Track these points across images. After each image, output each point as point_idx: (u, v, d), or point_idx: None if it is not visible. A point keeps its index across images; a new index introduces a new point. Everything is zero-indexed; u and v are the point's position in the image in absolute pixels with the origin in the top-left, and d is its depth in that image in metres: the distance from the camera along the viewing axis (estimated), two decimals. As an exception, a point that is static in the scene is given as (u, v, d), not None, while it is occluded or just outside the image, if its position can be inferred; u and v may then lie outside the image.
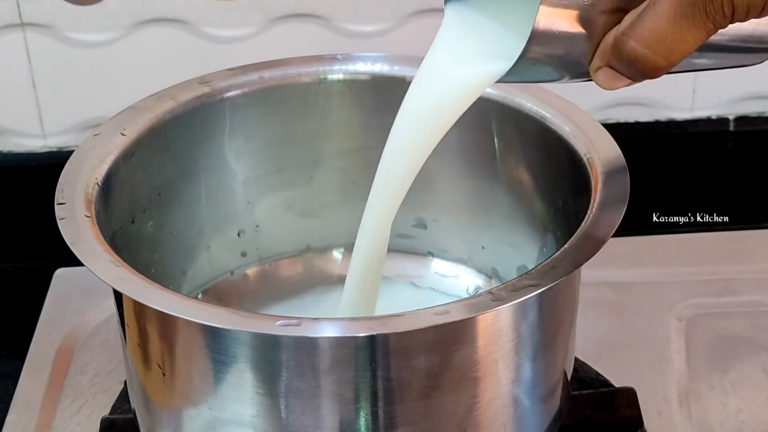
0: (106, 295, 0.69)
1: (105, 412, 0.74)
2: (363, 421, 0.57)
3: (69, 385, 0.79)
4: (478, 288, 0.77)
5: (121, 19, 0.86)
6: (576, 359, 0.71)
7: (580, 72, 0.54)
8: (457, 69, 0.59)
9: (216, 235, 0.76)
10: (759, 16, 0.49)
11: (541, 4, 0.50)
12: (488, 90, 0.68)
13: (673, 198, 0.94)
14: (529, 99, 0.69)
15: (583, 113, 0.68)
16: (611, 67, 0.52)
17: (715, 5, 0.49)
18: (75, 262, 0.57)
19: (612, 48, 0.51)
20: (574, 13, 0.51)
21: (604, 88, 0.53)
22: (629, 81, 0.52)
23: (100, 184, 0.64)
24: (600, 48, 0.52)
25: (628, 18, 0.51)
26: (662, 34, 0.50)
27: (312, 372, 0.56)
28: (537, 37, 0.51)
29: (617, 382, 0.74)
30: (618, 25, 0.51)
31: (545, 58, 0.53)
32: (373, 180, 0.76)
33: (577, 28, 0.52)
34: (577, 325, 0.65)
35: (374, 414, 0.57)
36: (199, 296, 0.76)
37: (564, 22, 0.51)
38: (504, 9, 0.58)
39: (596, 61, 0.52)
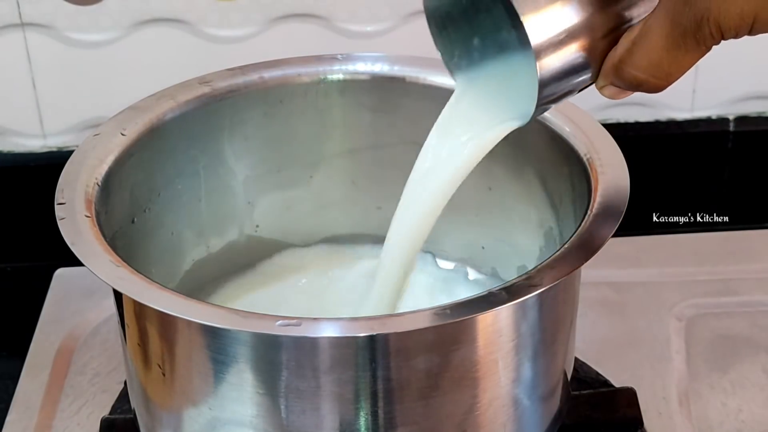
0: (106, 295, 0.69)
1: (105, 412, 0.74)
2: (363, 421, 0.57)
3: (69, 385, 0.79)
4: (478, 288, 0.77)
5: (121, 19, 0.87)
6: (576, 359, 0.71)
7: (584, 88, 0.56)
8: (477, 134, 0.61)
9: (216, 235, 0.76)
10: (750, 33, 0.51)
11: (537, 59, 0.52)
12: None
13: (673, 198, 0.94)
14: (529, 99, 0.69)
15: (583, 113, 0.68)
16: (615, 85, 0.54)
17: (704, 32, 0.50)
18: (75, 262, 0.57)
19: (613, 72, 0.53)
20: (572, 48, 0.53)
21: (610, 99, 0.55)
22: (634, 92, 0.55)
23: (100, 184, 0.64)
24: (602, 71, 0.54)
25: (624, 43, 0.53)
26: (659, 62, 0.52)
27: (312, 372, 0.56)
28: (543, 87, 0.53)
29: (617, 382, 0.74)
30: (615, 49, 0.53)
31: (555, 97, 0.54)
32: (372, 180, 0.76)
33: (578, 61, 0.53)
34: (577, 325, 0.65)
35: (374, 414, 0.57)
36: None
37: (565, 62, 0.53)
38: (508, 67, 0.59)
39: (600, 81, 0.54)
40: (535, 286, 0.56)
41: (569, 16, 0.52)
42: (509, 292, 0.56)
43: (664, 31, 0.51)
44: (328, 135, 0.74)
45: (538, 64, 0.52)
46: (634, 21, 0.54)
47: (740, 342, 0.81)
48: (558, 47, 0.52)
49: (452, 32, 0.60)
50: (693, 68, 0.53)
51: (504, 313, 0.58)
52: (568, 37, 0.52)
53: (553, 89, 0.54)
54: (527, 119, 0.56)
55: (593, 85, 0.55)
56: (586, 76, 0.54)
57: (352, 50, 0.75)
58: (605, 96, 0.55)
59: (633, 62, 0.52)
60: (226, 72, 0.72)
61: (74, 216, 0.60)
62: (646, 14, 0.53)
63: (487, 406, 0.59)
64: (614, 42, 0.54)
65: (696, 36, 0.51)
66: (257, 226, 0.77)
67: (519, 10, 0.52)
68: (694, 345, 0.81)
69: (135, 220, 0.68)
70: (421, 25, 0.59)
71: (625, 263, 0.87)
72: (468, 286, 0.77)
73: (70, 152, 0.65)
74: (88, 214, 0.61)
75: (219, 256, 0.76)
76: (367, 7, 0.87)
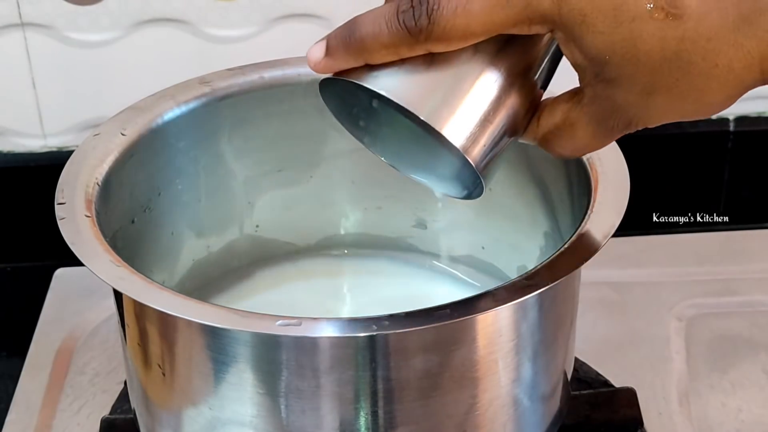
0: (106, 295, 0.69)
1: (105, 412, 0.74)
2: (363, 421, 0.57)
3: (69, 385, 0.79)
4: (478, 288, 0.77)
5: (121, 19, 0.87)
6: (576, 359, 0.71)
7: None
8: None
9: (216, 235, 0.76)
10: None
11: (467, 156, 0.52)
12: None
13: (673, 198, 0.94)
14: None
15: (583, 113, 0.68)
16: None
17: (631, 129, 0.53)
18: (75, 262, 0.57)
19: (537, 143, 0.55)
20: (499, 134, 0.53)
21: None
22: None
23: (100, 184, 0.64)
24: (526, 137, 0.55)
25: (545, 125, 0.54)
26: (584, 148, 0.54)
27: (312, 372, 0.56)
28: (483, 170, 0.54)
29: (617, 382, 0.74)
30: (536, 128, 0.55)
31: (494, 166, 0.55)
32: (372, 180, 0.76)
33: (505, 140, 0.54)
34: (577, 325, 0.65)
35: (374, 414, 0.57)
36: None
37: (495, 148, 0.54)
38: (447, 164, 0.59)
39: (525, 140, 0.56)
40: (535, 286, 0.56)
41: (481, 105, 0.53)
42: (509, 292, 0.56)
43: (590, 129, 0.53)
44: (328, 135, 0.74)
45: (470, 160, 0.53)
46: (545, 83, 0.55)
47: (740, 342, 0.81)
48: (481, 136, 0.53)
49: (371, 127, 0.60)
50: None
51: (504, 313, 0.58)
52: (487, 122, 0.53)
53: (488, 165, 0.54)
54: (481, 191, 0.56)
55: None
56: (511, 140, 0.55)
57: (352, 50, 0.75)
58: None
59: (557, 144, 0.54)
60: (226, 72, 0.72)
61: (74, 216, 0.60)
62: (554, 68, 0.54)
63: (487, 406, 0.59)
64: (533, 113, 0.54)
65: (622, 131, 0.53)
66: (257, 226, 0.77)
67: (436, 126, 0.52)
68: (694, 345, 0.81)
69: (135, 220, 0.68)
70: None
71: (625, 263, 0.87)
72: (468, 286, 0.77)
73: (70, 152, 0.65)
74: (88, 214, 0.61)
75: (219, 256, 0.76)
76: (366, 8, 0.86)
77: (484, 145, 0.53)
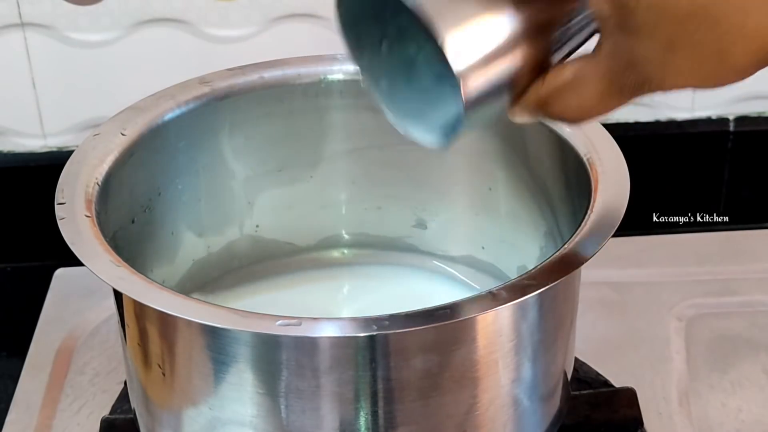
0: (106, 295, 0.69)
1: (105, 412, 0.74)
2: (363, 421, 0.57)
3: (69, 385, 0.79)
4: (478, 288, 0.77)
5: (121, 19, 0.87)
6: (576, 359, 0.71)
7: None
8: None
9: (216, 235, 0.76)
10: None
11: (462, 81, 0.50)
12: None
13: (673, 198, 0.94)
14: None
15: (583, 113, 0.68)
16: (532, 116, 0.54)
17: (643, 91, 0.51)
18: (75, 262, 0.57)
19: (536, 106, 0.53)
20: (498, 79, 0.52)
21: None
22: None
23: (100, 184, 0.64)
24: (524, 103, 0.53)
25: (552, 83, 0.52)
26: (589, 109, 0.52)
27: (312, 372, 0.56)
28: (468, 116, 0.52)
29: (617, 382, 0.74)
30: (540, 86, 0.53)
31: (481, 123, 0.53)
32: (372, 180, 0.76)
33: (503, 91, 0.52)
34: (577, 325, 0.65)
35: (374, 414, 0.57)
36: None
37: (489, 94, 0.52)
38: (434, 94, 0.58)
39: (518, 110, 0.54)
40: (535, 286, 0.56)
41: (492, 40, 0.51)
42: (509, 292, 0.56)
43: (601, 86, 0.51)
44: (328, 135, 0.75)
45: (462, 89, 0.51)
46: (561, 54, 0.53)
47: (740, 342, 0.81)
48: (481, 70, 0.51)
49: (371, 58, 0.58)
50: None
51: (504, 313, 0.58)
52: (492, 59, 0.51)
53: (477, 106, 0.52)
54: (458, 132, 0.54)
55: None
56: (504, 103, 0.53)
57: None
58: (514, 119, 0.54)
59: (562, 103, 0.52)
60: (226, 72, 0.72)
61: (74, 216, 0.60)
62: (576, 46, 0.53)
63: (487, 406, 0.59)
64: (535, 76, 0.53)
65: (634, 93, 0.51)
66: (257, 226, 0.77)
67: (438, 31, 0.50)
68: (694, 345, 0.81)
69: (135, 220, 0.68)
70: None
71: (625, 263, 0.87)
72: (468, 286, 0.77)
73: (70, 152, 0.65)
74: (88, 214, 0.61)
75: (219, 256, 0.76)
76: (367, 7, 0.87)
77: (481, 83, 0.51)
